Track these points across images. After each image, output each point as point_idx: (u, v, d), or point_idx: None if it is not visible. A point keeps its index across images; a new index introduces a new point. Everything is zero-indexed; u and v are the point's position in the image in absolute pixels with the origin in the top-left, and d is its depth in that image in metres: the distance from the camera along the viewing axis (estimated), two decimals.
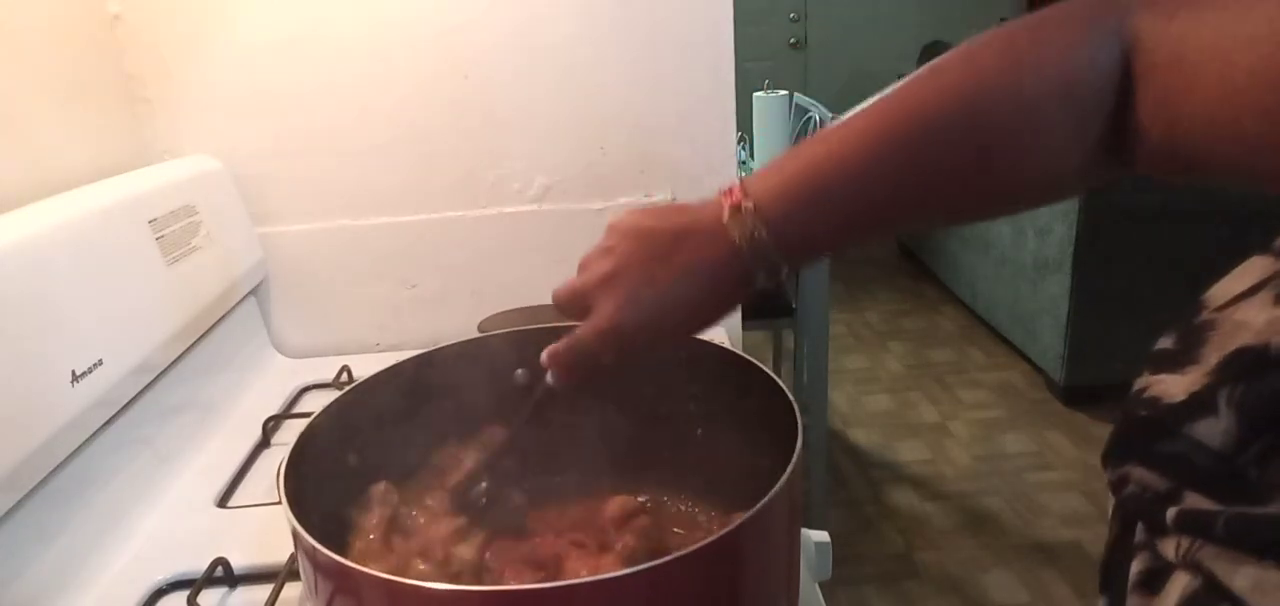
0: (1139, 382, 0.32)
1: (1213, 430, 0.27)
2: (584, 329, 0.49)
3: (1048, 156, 0.43)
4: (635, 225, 0.49)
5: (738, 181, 0.46)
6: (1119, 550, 0.31)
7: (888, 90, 0.48)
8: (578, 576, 0.52)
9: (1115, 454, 0.31)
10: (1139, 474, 0.29)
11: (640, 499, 0.62)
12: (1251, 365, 0.27)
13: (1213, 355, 0.29)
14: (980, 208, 0.47)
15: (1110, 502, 0.33)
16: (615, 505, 0.59)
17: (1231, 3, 0.36)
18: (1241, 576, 0.24)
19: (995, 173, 0.44)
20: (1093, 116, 0.41)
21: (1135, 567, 0.29)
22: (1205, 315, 0.31)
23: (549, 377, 0.52)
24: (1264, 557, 0.23)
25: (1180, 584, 0.27)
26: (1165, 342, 0.32)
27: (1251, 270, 0.31)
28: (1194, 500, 0.27)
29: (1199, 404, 0.28)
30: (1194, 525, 0.26)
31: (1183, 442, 0.28)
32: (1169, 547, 0.27)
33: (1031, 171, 0.43)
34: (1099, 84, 0.40)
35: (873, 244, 0.51)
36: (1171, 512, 0.27)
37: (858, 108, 0.47)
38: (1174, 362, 0.30)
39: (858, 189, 0.45)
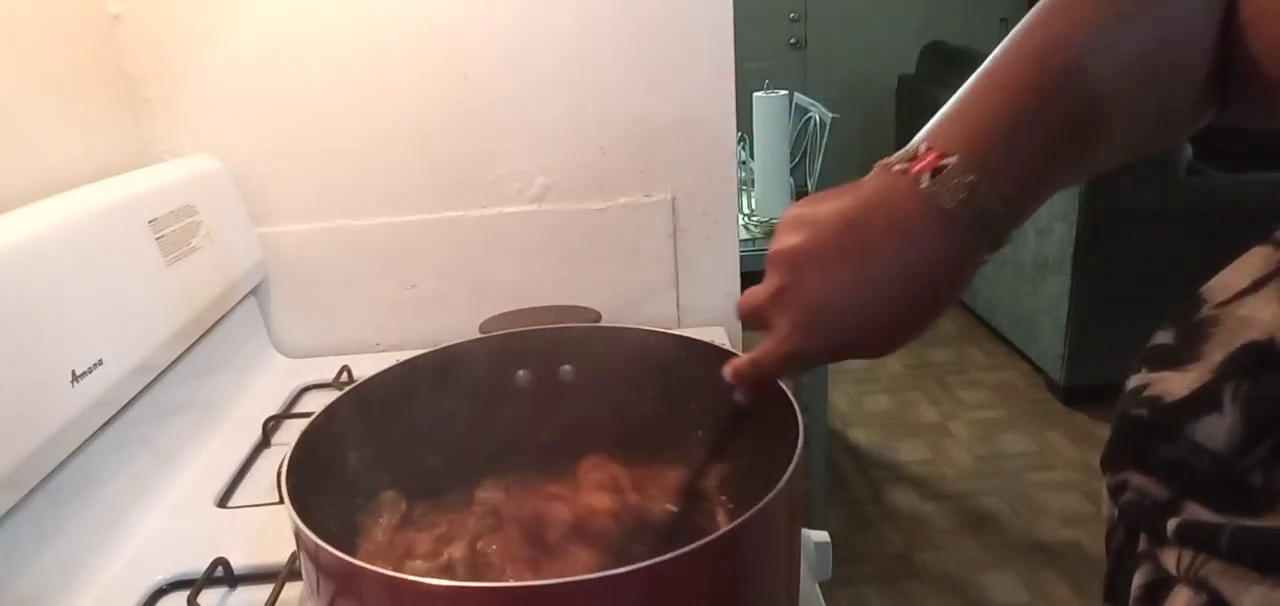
0: (1135, 379, 0.31)
1: (1216, 429, 0.26)
2: (763, 349, 0.45)
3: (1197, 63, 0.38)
4: (805, 217, 0.42)
5: (920, 143, 0.40)
6: (1125, 558, 0.30)
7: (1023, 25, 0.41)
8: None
9: (1114, 458, 0.30)
10: (1138, 480, 0.28)
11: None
12: (1258, 362, 0.26)
13: (1216, 352, 0.28)
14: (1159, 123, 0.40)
15: (1111, 508, 0.32)
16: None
17: None
18: (1250, 597, 0.23)
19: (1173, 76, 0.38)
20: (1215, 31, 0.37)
21: (1137, 580, 0.28)
22: (1206, 310, 0.30)
23: (737, 395, 0.50)
24: (1270, 573, 0.23)
25: (1183, 600, 0.26)
26: (1164, 338, 0.31)
27: (1252, 261, 0.30)
28: (1195, 510, 0.26)
29: (1202, 401, 0.27)
30: (1197, 538, 0.25)
31: (1182, 446, 0.27)
32: (1170, 560, 0.27)
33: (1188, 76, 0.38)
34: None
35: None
36: (1173, 524, 0.26)
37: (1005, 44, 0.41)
38: (1175, 359, 0.29)
39: (1059, 111, 0.38)
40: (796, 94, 2.60)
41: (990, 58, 0.41)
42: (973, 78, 0.40)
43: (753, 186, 2.04)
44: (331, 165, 1.05)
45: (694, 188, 1.08)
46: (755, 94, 1.90)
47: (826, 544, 0.72)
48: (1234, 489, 0.25)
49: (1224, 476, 0.26)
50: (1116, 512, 0.31)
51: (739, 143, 1.30)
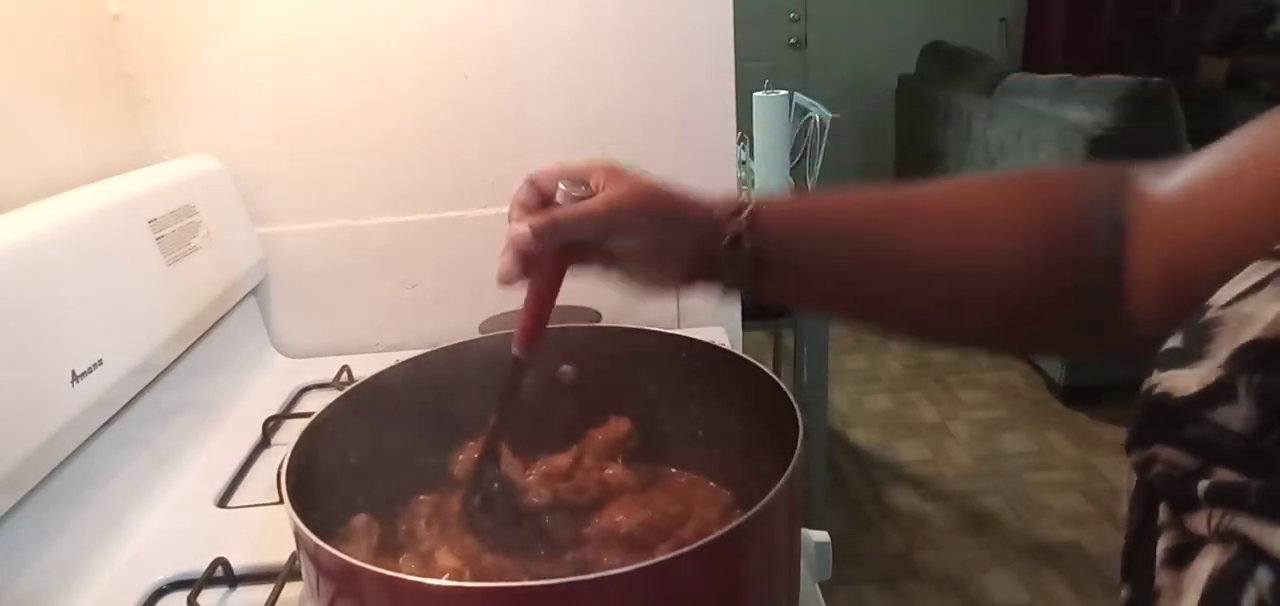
0: (1148, 382, 0.32)
1: (1233, 415, 0.28)
2: (582, 205, 0.50)
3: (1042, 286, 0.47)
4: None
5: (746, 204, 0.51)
6: (1142, 535, 0.32)
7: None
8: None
9: (1140, 437, 0.32)
10: (1167, 454, 0.30)
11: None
12: (1267, 355, 0.28)
13: (1223, 349, 0.30)
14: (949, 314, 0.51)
15: (1129, 488, 0.33)
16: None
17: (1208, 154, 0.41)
18: (1278, 537, 0.25)
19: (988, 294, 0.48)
20: (1088, 268, 0.46)
21: (1162, 545, 0.30)
22: (1210, 314, 0.32)
23: (514, 349, 0.54)
24: None
25: (1212, 555, 0.27)
26: (1173, 343, 0.32)
27: (1252, 273, 0.32)
28: (1224, 474, 0.28)
29: (1217, 392, 0.29)
30: (1227, 496, 0.27)
31: (1207, 426, 0.29)
32: (1200, 522, 0.28)
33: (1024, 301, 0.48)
34: (1099, 235, 0.45)
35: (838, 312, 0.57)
36: (1203, 485, 0.28)
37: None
38: (1183, 360, 0.31)
39: (841, 226, 0.51)
40: (796, 94, 2.60)
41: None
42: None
43: (753, 186, 2.04)
44: (331, 165, 1.05)
45: (694, 187, 1.07)
46: (755, 94, 1.90)
47: (826, 544, 0.72)
48: (1258, 457, 0.27)
49: (1249, 450, 0.27)
50: (1134, 491, 0.33)
51: (739, 143, 1.30)
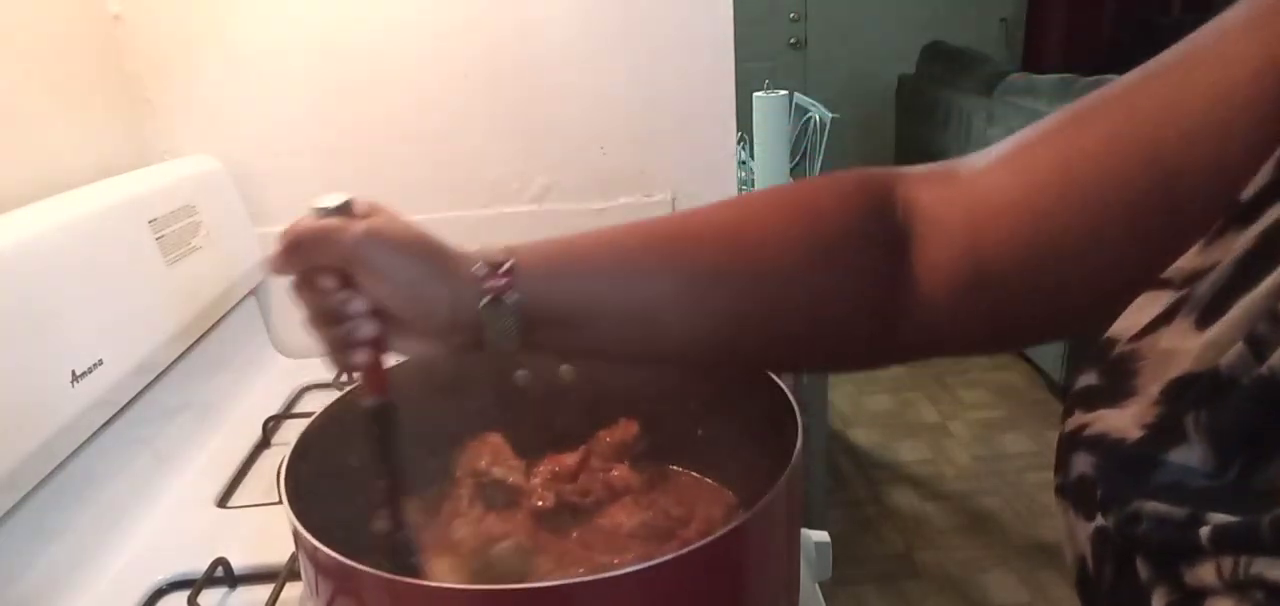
0: (1071, 423, 0.32)
1: (1189, 456, 0.27)
2: (324, 223, 0.46)
3: (816, 313, 0.47)
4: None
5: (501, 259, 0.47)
6: (1122, 594, 0.30)
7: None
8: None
9: (1118, 493, 0.30)
10: (1151, 508, 0.28)
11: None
12: (1207, 391, 0.27)
13: (1151, 385, 0.29)
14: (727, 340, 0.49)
15: (1084, 546, 0.31)
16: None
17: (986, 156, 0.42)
18: None
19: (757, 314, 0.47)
20: (868, 278, 0.45)
21: (1159, 604, 0.28)
22: (1121, 349, 0.31)
23: (366, 402, 0.49)
24: None
25: None
26: (1088, 379, 0.32)
27: (1149, 303, 0.31)
28: (1221, 518, 0.26)
29: (1162, 432, 0.28)
30: (1236, 540, 0.25)
31: (1172, 471, 0.28)
32: (1206, 573, 0.26)
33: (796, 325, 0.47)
34: (867, 243, 0.45)
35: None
36: (1205, 531, 0.26)
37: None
38: (1106, 397, 0.31)
39: (612, 263, 0.47)
40: (796, 94, 2.60)
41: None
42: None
43: (753, 186, 2.04)
44: (331, 165, 1.05)
45: (694, 188, 1.08)
46: (755, 94, 1.90)
47: (826, 544, 0.72)
48: (1243, 495, 0.26)
49: (1228, 487, 0.27)
50: (1094, 549, 0.31)
51: (739, 143, 1.30)
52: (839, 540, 0.73)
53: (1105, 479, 0.30)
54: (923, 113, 3.66)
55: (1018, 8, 4.60)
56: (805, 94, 2.67)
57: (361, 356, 0.47)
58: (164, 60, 1.00)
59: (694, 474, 0.65)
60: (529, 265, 0.46)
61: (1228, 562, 0.25)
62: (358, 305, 0.46)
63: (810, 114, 2.51)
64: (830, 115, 2.38)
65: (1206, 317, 0.28)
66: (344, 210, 0.47)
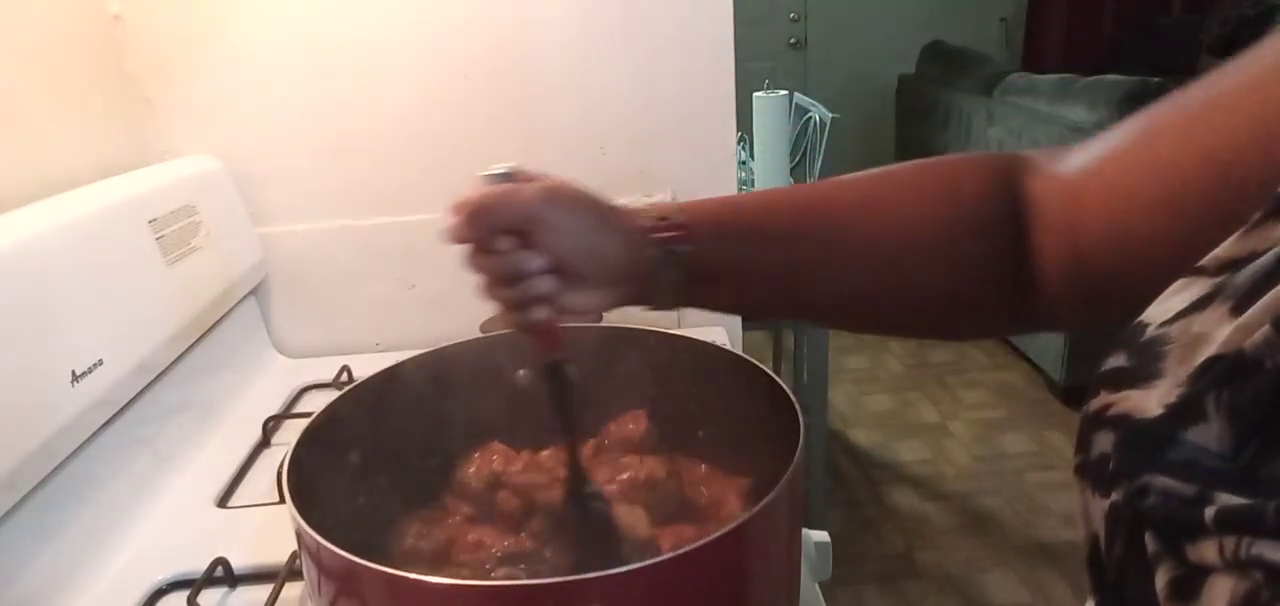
0: (1095, 403, 0.32)
1: (1207, 435, 0.28)
2: (509, 187, 0.50)
3: (949, 277, 0.50)
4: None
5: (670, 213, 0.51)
6: (1129, 567, 0.30)
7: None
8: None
9: (1126, 469, 0.30)
10: (1161, 483, 0.29)
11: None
12: (1231, 371, 0.28)
13: (1179, 367, 0.30)
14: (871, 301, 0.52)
15: (1090, 518, 0.32)
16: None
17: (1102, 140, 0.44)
18: None
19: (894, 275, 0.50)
20: (992, 248, 0.48)
21: (1162, 579, 0.28)
22: (1152, 332, 0.32)
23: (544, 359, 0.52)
24: None
25: (1226, 586, 0.26)
26: (1117, 361, 0.33)
27: (1185, 289, 0.32)
28: (1228, 499, 0.26)
29: (1187, 411, 0.29)
30: (1240, 521, 0.26)
31: (1187, 449, 0.28)
32: (1208, 551, 0.27)
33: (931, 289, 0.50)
34: (999, 222, 0.48)
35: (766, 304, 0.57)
36: (1210, 511, 0.27)
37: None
38: (1134, 379, 0.31)
39: (771, 225, 0.51)
40: (796, 94, 2.60)
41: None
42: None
43: (753, 186, 2.04)
44: (331, 165, 1.05)
45: (694, 188, 1.08)
46: (755, 94, 1.90)
47: (826, 544, 0.72)
48: (1254, 478, 0.27)
49: (1240, 469, 0.27)
50: (1108, 523, 0.31)
51: (739, 143, 1.30)
52: (839, 540, 0.73)
53: (1119, 452, 0.31)
54: (923, 113, 3.66)
55: (1018, 8, 4.60)
56: (805, 94, 2.67)
57: (540, 312, 0.49)
58: (164, 60, 1.00)
59: (703, 467, 0.65)
60: (697, 221, 0.50)
61: (1230, 542, 0.26)
62: (535, 262, 0.48)
63: (810, 114, 2.51)
64: (830, 115, 2.38)
65: (1242, 305, 0.29)
66: (511, 177, 0.50)
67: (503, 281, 0.50)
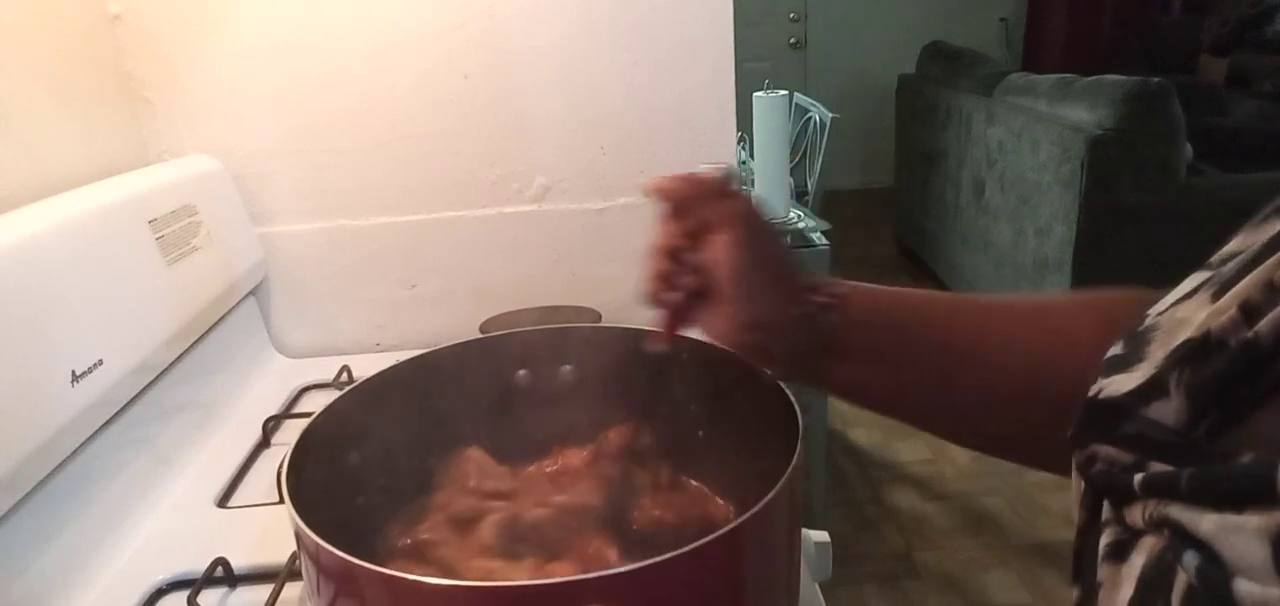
0: (1093, 388, 0.34)
1: (1165, 410, 0.29)
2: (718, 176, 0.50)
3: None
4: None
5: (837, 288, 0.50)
6: (1088, 535, 0.33)
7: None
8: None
9: (1080, 437, 0.33)
10: (1105, 451, 0.31)
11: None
12: (1196, 351, 0.29)
13: (1158, 351, 0.31)
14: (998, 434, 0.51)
15: (1077, 489, 0.34)
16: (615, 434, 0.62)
17: None
18: (1207, 522, 0.26)
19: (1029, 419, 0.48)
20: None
21: (1104, 541, 0.31)
22: (1148, 321, 0.34)
23: (651, 347, 0.54)
24: (1223, 506, 0.25)
25: (1147, 546, 0.28)
26: (1115, 350, 0.34)
27: (1187, 283, 0.34)
28: (1157, 467, 0.29)
29: (1151, 388, 0.30)
30: (1160, 487, 0.28)
31: (1141, 422, 0.30)
32: (1136, 514, 0.29)
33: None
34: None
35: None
36: (1139, 478, 0.29)
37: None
38: (1123, 364, 0.33)
39: (924, 331, 0.49)
40: (796, 94, 2.60)
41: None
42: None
43: (753, 186, 2.04)
44: (331, 165, 1.05)
45: None
46: (755, 94, 1.90)
47: (826, 544, 0.72)
48: (1189, 450, 0.28)
49: (1182, 442, 0.29)
50: (1081, 493, 0.34)
51: (739, 143, 1.30)
52: (839, 540, 0.73)
53: (1079, 423, 0.33)
54: (923, 113, 3.66)
55: (1018, 8, 4.60)
56: (805, 94, 2.68)
57: (672, 298, 0.52)
58: (164, 60, 1.00)
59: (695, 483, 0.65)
60: (856, 295, 0.50)
61: (1151, 506, 0.28)
62: (698, 257, 0.50)
63: (810, 114, 2.51)
64: (830, 115, 2.38)
65: (1222, 293, 0.30)
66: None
67: (666, 256, 0.52)
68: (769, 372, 0.52)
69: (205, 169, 0.99)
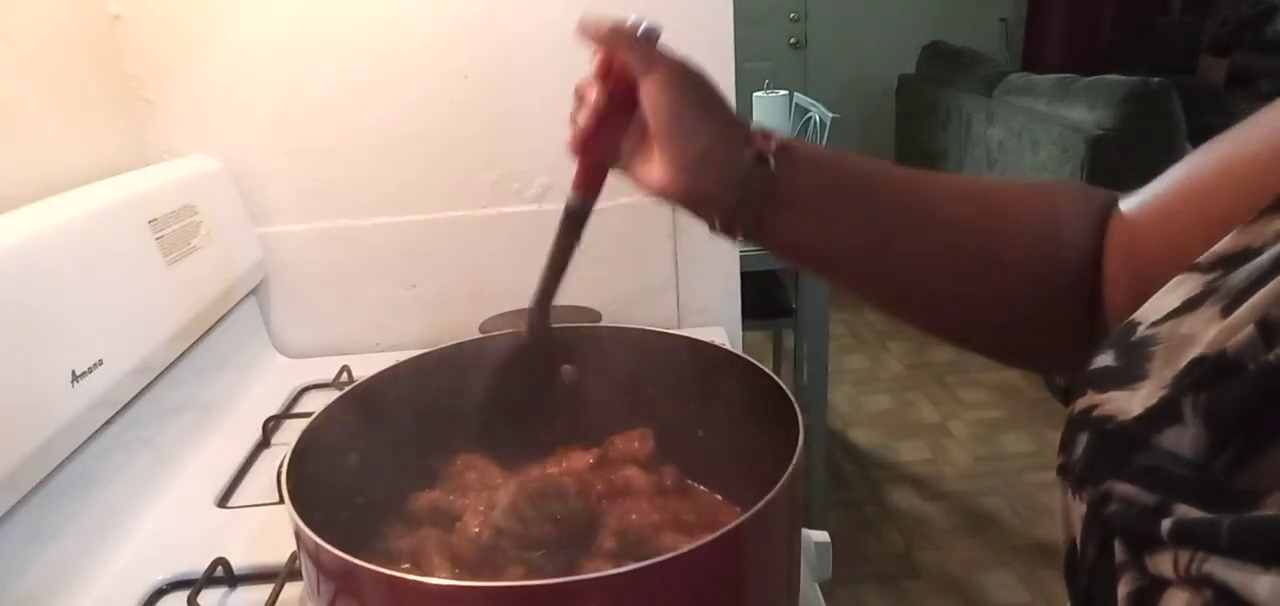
0: (1082, 402, 0.31)
1: (1181, 439, 0.27)
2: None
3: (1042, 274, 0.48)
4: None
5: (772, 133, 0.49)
6: (1098, 574, 0.30)
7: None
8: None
9: (1093, 472, 0.30)
10: (1122, 490, 0.28)
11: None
12: (1211, 373, 0.27)
13: (1164, 369, 0.29)
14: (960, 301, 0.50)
15: (1069, 517, 0.32)
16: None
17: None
18: (1263, 585, 0.23)
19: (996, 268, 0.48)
20: (1080, 262, 0.47)
21: (1123, 589, 0.28)
22: (1142, 332, 0.31)
23: (569, 198, 0.56)
24: (1275, 563, 0.22)
25: (1180, 600, 0.25)
26: (1104, 360, 0.32)
27: (1181, 286, 0.31)
28: (1186, 511, 0.26)
29: (1163, 414, 0.28)
30: (1195, 536, 0.25)
31: (1156, 455, 0.27)
32: (1164, 564, 0.26)
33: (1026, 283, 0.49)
34: (1086, 257, 0.47)
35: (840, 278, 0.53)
36: (1167, 524, 0.26)
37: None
38: (1119, 380, 0.30)
39: (866, 188, 0.49)
40: (796, 94, 2.60)
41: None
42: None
43: None
44: (332, 165, 1.05)
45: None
46: (755, 94, 1.90)
47: (826, 544, 0.72)
48: (1218, 489, 0.26)
49: (1205, 478, 0.26)
50: (1085, 526, 0.31)
51: None
52: (839, 540, 0.73)
53: (1088, 456, 0.30)
54: (923, 113, 3.66)
55: (1018, 8, 4.60)
56: (805, 94, 2.68)
57: (584, 119, 0.54)
58: (164, 60, 1.00)
59: (701, 488, 0.65)
60: (798, 145, 0.48)
61: (1185, 557, 0.25)
62: (597, 97, 0.53)
63: (810, 114, 2.52)
64: (830, 115, 2.38)
65: (1233, 308, 0.28)
66: (651, 33, 0.54)
67: (595, 113, 0.53)
68: (714, 224, 0.49)
69: (205, 169, 0.99)
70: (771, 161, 0.46)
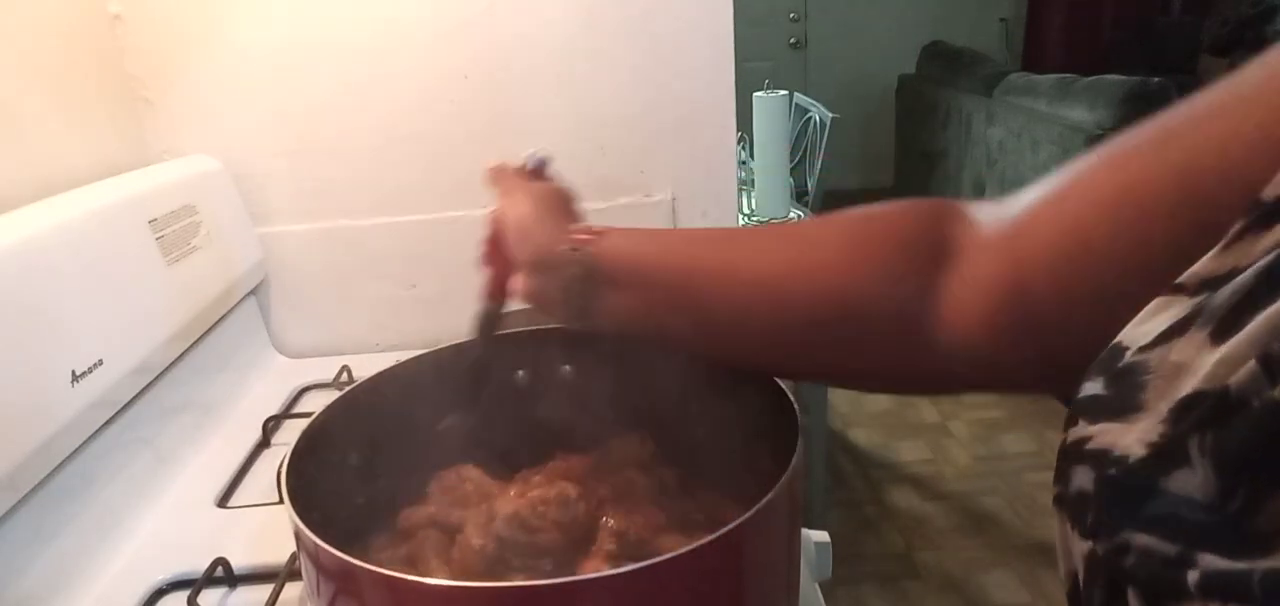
0: (1074, 432, 0.30)
1: (1190, 483, 0.26)
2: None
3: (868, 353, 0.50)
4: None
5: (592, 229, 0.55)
6: None
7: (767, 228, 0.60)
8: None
9: (1109, 522, 0.28)
10: (1141, 540, 0.27)
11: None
12: (1216, 412, 0.26)
13: (1159, 401, 0.28)
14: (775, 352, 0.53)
15: (1077, 561, 0.30)
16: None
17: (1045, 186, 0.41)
18: None
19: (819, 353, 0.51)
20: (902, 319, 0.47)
21: None
22: (1130, 358, 0.30)
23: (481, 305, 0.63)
24: None
25: None
26: (1093, 388, 0.31)
27: (1163, 310, 0.30)
28: (1212, 560, 0.25)
29: (1168, 456, 0.27)
30: (1225, 589, 0.24)
31: (1169, 501, 0.26)
32: None
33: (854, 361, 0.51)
34: (908, 262, 0.47)
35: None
36: (1193, 576, 0.25)
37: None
38: (1111, 411, 0.29)
39: (669, 253, 0.54)
40: (796, 94, 2.60)
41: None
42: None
43: (753, 186, 2.05)
44: (332, 165, 1.05)
45: (694, 188, 1.08)
46: (755, 94, 1.90)
47: (826, 544, 0.72)
48: (1239, 534, 0.25)
49: (1224, 523, 0.25)
50: (1089, 573, 0.30)
51: (739, 143, 1.30)
52: (839, 540, 0.73)
53: (1099, 503, 0.29)
54: (923, 113, 3.66)
55: (1018, 8, 4.60)
56: (805, 94, 2.68)
57: (486, 263, 0.61)
58: (164, 60, 1.00)
59: (702, 488, 0.64)
60: (615, 232, 0.54)
61: None
62: (489, 227, 0.59)
63: (810, 114, 2.52)
64: (830, 115, 2.38)
65: (1223, 331, 0.27)
66: (542, 163, 0.63)
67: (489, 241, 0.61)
68: (557, 321, 0.56)
69: (205, 169, 1.00)
70: (584, 250, 0.52)
